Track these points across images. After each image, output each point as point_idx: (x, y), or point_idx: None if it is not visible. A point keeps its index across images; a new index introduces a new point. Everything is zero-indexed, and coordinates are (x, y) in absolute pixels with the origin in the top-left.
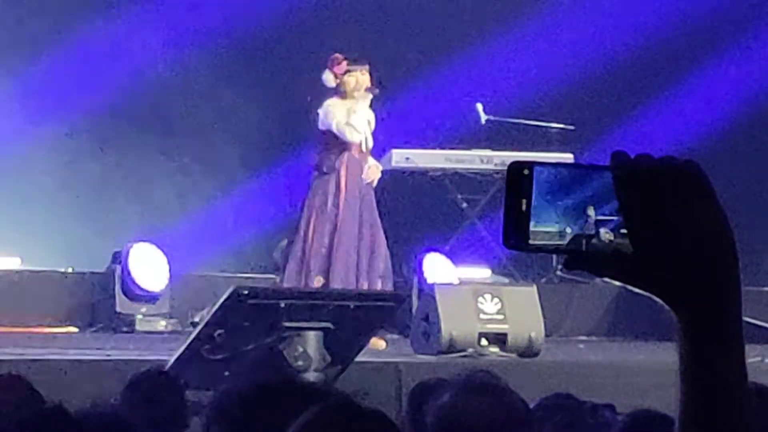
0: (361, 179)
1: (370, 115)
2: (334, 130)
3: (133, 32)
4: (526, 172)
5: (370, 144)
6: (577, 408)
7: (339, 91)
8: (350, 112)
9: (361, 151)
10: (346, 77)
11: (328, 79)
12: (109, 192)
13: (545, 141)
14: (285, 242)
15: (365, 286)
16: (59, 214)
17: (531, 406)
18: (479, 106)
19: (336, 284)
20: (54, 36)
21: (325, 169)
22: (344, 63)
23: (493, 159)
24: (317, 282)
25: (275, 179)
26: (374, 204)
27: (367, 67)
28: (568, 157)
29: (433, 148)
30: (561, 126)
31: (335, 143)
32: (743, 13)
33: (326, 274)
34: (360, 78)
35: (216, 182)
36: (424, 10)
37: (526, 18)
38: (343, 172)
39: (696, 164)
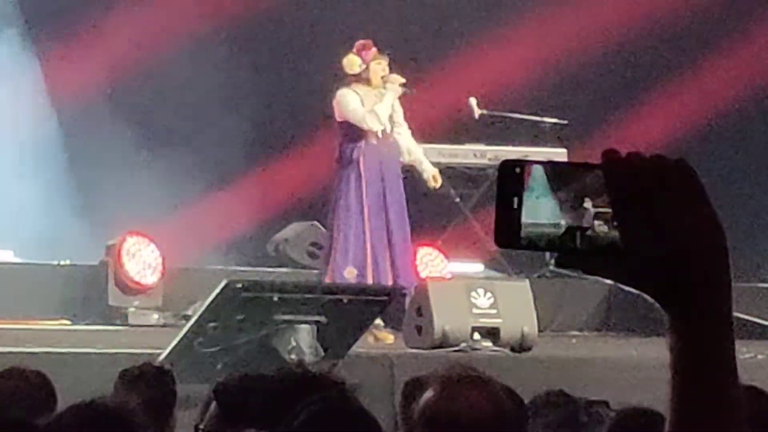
0: (383, 168)
1: (396, 107)
2: (350, 119)
3: (128, 23)
4: (517, 170)
5: (388, 129)
6: (571, 405)
7: (361, 78)
8: (363, 102)
9: (378, 137)
10: (373, 64)
11: (353, 63)
12: (102, 184)
13: (539, 136)
14: (279, 235)
15: (400, 279)
16: (52, 207)
17: (523, 400)
18: (473, 101)
19: (369, 278)
20: (49, 25)
21: (344, 162)
22: (374, 50)
23: (487, 153)
24: (349, 274)
25: (269, 172)
26: (401, 193)
27: (387, 59)
28: (561, 152)
29: (427, 142)
30: (554, 121)
31: (352, 133)
32: (739, 9)
33: (360, 267)
34: (384, 66)
35: (209, 175)
36: (418, 5)
37: (519, 13)
38: (362, 163)
39: (686, 163)
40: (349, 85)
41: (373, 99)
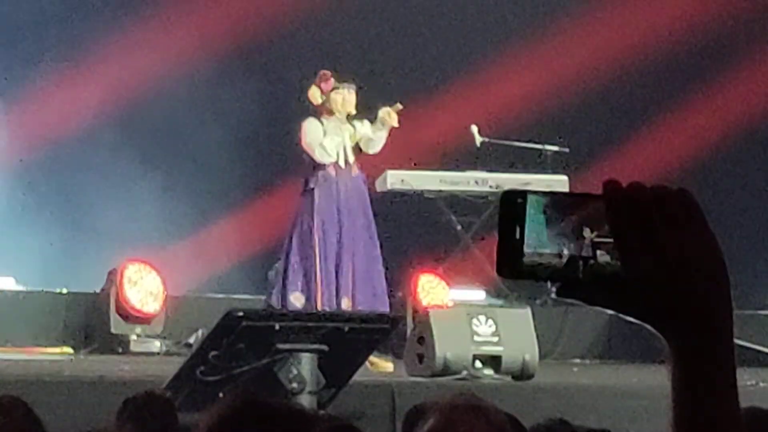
0: (340, 199)
1: (356, 133)
2: (306, 148)
3: (130, 54)
4: (519, 200)
5: (351, 158)
6: None
7: (324, 109)
8: (326, 132)
9: (339, 168)
10: (333, 94)
11: (315, 95)
12: (104, 212)
13: (540, 163)
14: (279, 264)
15: (348, 306)
16: (54, 234)
17: (525, 428)
18: (474, 128)
19: (318, 304)
20: (50, 51)
21: (304, 189)
22: (332, 80)
23: (488, 181)
24: (296, 300)
25: (271, 200)
26: (367, 222)
27: (354, 87)
28: (562, 180)
29: (429, 169)
30: (556, 148)
31: (312, 162)
32: (741, 39)
33: (308, 293)
34: (347, 97)
35: (212, 203)
36: (420, 32)
37: (521, 41)
38: (317, 192)
39: (688, 192)
40: (318, 115)
41: (335, 129)
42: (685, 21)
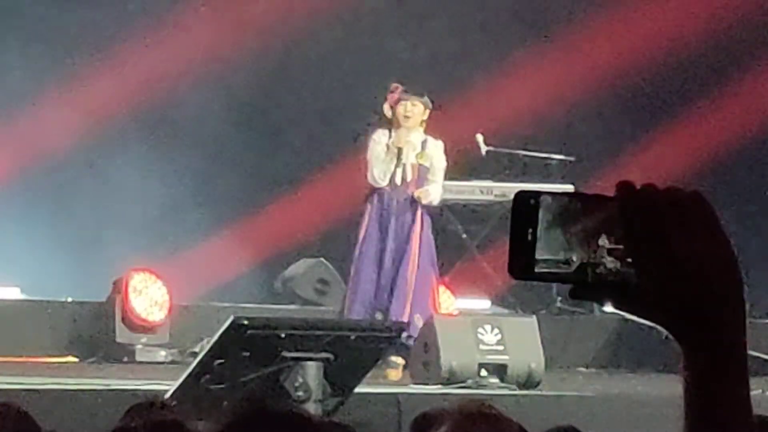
0: (389, 215)
1: (412, 146)
2: (367, 161)
3: (133, 59)
4: (532, 201)
5: (409, 177)
6: None
7: (392, 122)
8: (389, 147)
9: (395, 185)
10: (397, 107)
11: (386, 108)
12: (110, 221)
13: (546, 172)
14: (286, 272)
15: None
16: (59, 243)
17: None
18: (479, 137)
19: (354, 315)
20: (46, 66)
21: (365, 200)
22: (398, 91)
23: (493, 190)
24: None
25: (277, 209)
26: (418, 237)
27: (420, 98)
28: (568, 189)
29: None
30: (561, 157)
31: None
32: (748, 46)
33: (349, 305)
34: (409, 107)
35: (217, 212)
36: (425, 41)
37: (525, 49)
38: (368, 207)
39: (701, 195)
40: (386, 127)
41: (399, 142)
42: (690, 25)
